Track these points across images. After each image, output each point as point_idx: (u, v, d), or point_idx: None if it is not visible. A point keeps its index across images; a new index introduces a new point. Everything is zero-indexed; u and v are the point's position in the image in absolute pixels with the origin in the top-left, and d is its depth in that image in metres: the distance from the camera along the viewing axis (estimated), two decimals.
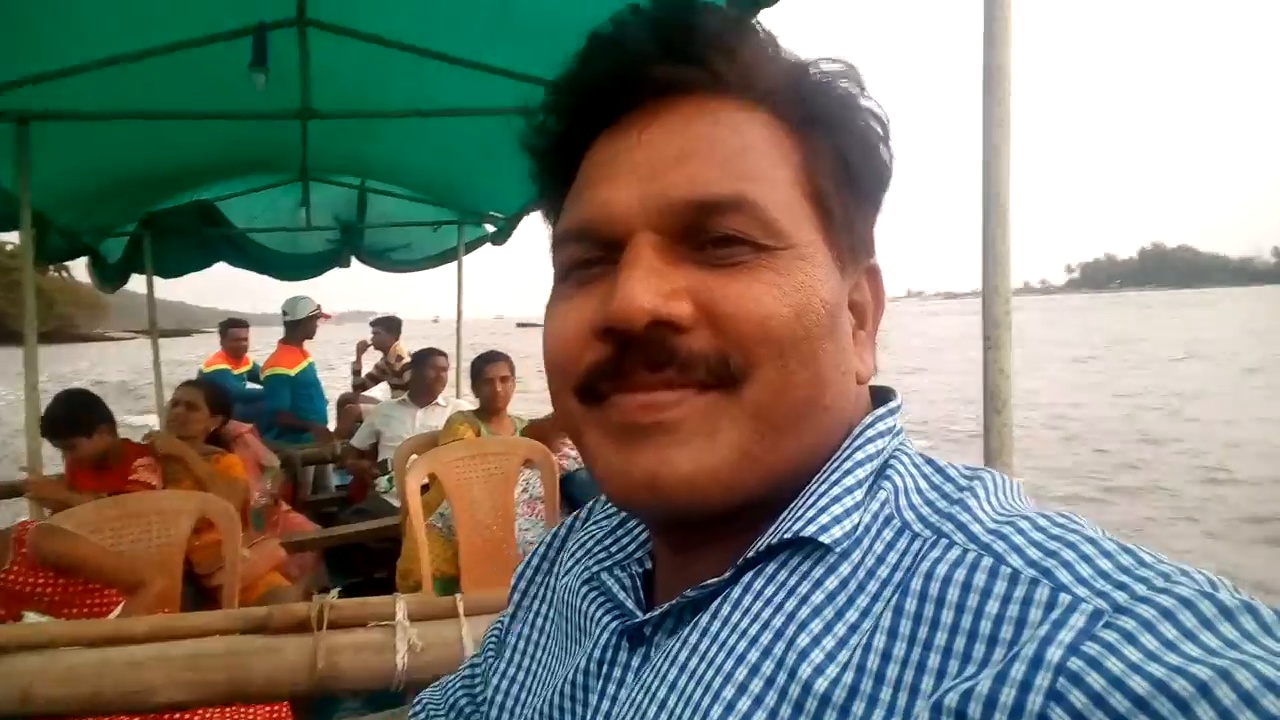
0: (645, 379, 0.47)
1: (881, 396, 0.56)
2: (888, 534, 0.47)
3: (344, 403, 6.44)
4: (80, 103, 3.15)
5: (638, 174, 0.49)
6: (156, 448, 3.11)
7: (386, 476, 4.24)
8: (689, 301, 0.47)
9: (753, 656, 0.45)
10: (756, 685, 0.44)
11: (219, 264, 6.52)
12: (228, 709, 1.96)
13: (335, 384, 7.72)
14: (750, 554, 0.48)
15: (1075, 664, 0.35)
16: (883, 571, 0.45)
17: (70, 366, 34.59)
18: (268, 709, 2.03)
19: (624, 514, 0.63)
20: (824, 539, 0.46)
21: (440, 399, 4.65)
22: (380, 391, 6.78)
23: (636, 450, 0.47)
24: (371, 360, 6.71)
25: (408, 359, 5.74)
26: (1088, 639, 0.36)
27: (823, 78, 0.52)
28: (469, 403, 4.36)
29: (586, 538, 0.64)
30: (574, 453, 3.92)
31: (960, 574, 0.42)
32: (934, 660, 0.40)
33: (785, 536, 0.47)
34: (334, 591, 1.79)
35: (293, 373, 5.58)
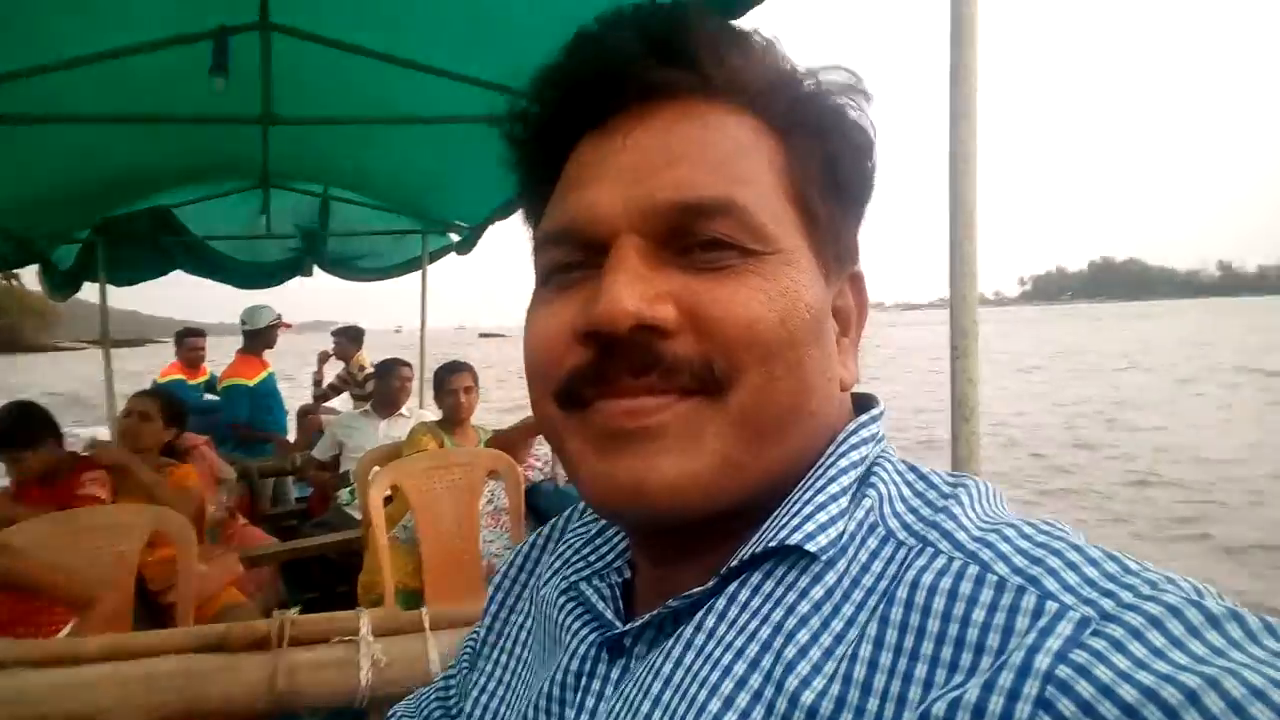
0: (629, 384, 0.46)
1: (863, 403, 0.56)
2: (872, 542, 0.46)
3: (304, 414, 6.33)
4: (33, 105, 3.06)
5: (623, 177, 0.48)
6: (99, 459, 3.02)
7: (349, 489, 4.17)
8: (673, 306, 0.46)
9: (738, 669, 0.44)
10: (743, 699, 0.43)
11: (175, 272, 6.37)
12: None
13: (295, 395, 7.61)
14: (734, 563, 0.48)
15: (1064, 672, 0.35)
16: (868, 580, 0.45)
17: (20, 378, 33.61)
18: None
19: (603, 523, 0.62)
20: (810, 547, 0.46)
21: (404, 409, 4.60)
22: (341, 402, 6.68)
23: (620, 456, 0.46)
24: (333, 371, 6.62)
25: (370, 369, 5.68)
26: (1076, 646, 0.35)
27: (811, 83, 0.52)
28: (433, 413, 4.32)
29: (564, 547, 0.63)
30: (539, 464, 3.90)
31: (946, 582, 0.41)
32: (921, 670, 0.40)
33: (770, 545, 0.47)
34: (294, 608, 1.75)
35: (251, 383, 5.49)
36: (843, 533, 0.47)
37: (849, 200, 0.53)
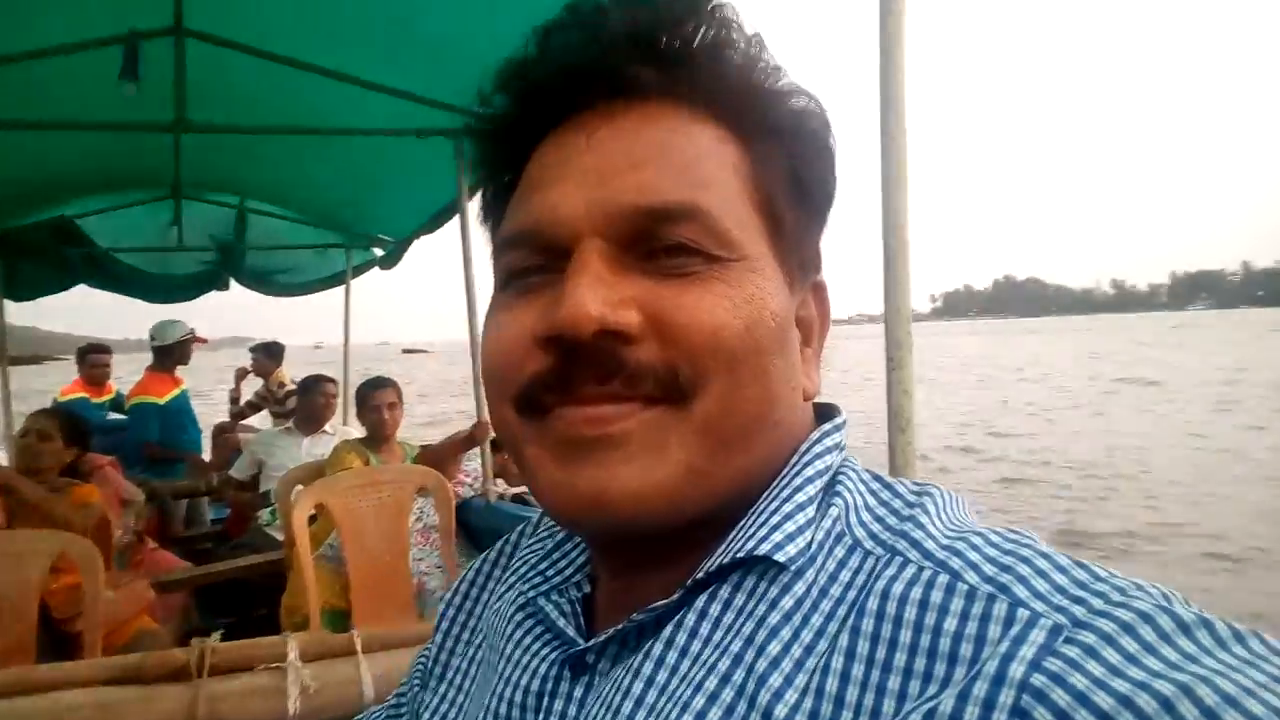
0: (591, 391, 0.45)
1: (825, 413, 0.55)
2: (840, 551, 0.46)
3: (220, 432, 6.08)
4: None
5: (586, 179, 0.47)
6: None
7: (270, 509, 4.03)
8: (637, 311, 0.45)
9: (711, 684, 0.43)
10: (715, 715, 0.42)
11: (79, 286, 6.07)
12: None
13: (211, 413, 7.32)
14: (700, 575, 0.46)
15: (1039, 680, 0.35)
16: (836, 590, 0.44)
17: None
18: None
19: (559, 537, 0.61)
20: (779, 557, 0.45)
21: (328, 427, 4.48)
22: (260, 420, 6.45)
23: (581, 465, 0.45)
24: (251, 388, 6.39)
25: (291, 386, 5.50)
26: (1049, 654, 0.35)
27: (777, 89, 0.51)
28: (356, 430, 4.21)
29: (519, 563, 0.61)
30: (470, 479, 3.84)
31: (917, 592, 0.41)
32: (894, 682, 0.39)
33: (738, 555, 0.45)
34: (215, 635, 1.68)
35: (162, 401, 5.24)
36: (811, 542, 0.46)
37: (813, 208, 0.52)
